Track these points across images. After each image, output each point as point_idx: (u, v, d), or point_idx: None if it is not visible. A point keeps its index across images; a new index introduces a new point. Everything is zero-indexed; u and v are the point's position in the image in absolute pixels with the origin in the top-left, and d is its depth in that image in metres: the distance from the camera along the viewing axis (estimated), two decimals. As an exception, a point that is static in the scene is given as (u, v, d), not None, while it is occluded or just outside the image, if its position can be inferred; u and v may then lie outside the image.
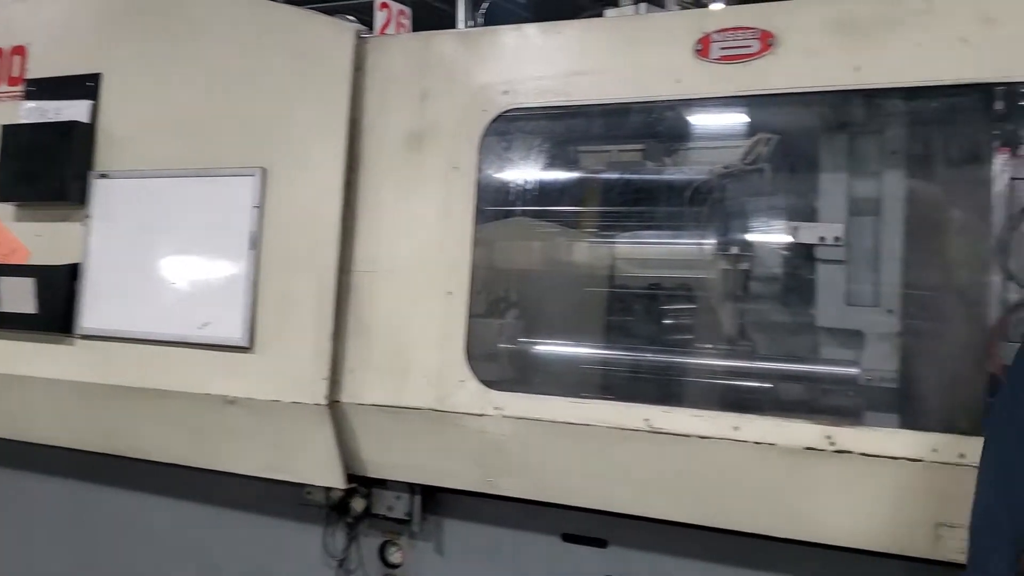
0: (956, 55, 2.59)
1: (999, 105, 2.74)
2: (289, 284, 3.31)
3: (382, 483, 3.39)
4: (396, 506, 3.36)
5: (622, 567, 3.15)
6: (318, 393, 3.23)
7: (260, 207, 3.37)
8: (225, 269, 3.42)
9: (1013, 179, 2.73)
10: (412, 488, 3.35)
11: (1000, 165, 2.77)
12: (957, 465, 2.53)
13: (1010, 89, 2.69)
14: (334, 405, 3.25)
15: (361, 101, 3.33)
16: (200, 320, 3.45)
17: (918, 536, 2.60)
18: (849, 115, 3.00)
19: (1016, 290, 2.73)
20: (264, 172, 3.39)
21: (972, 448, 2.51)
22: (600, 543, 3.17)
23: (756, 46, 2.83)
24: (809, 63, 2.77)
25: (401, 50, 3.38)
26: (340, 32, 3.38)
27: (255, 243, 3.37)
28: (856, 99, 2.94)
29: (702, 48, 2.90)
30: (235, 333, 3.36)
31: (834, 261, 3.01)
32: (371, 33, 3.51)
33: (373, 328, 3.23)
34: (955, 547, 2.55)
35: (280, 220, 3.36)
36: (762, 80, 2.83)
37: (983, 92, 2.72)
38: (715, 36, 2.89)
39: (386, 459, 3.30)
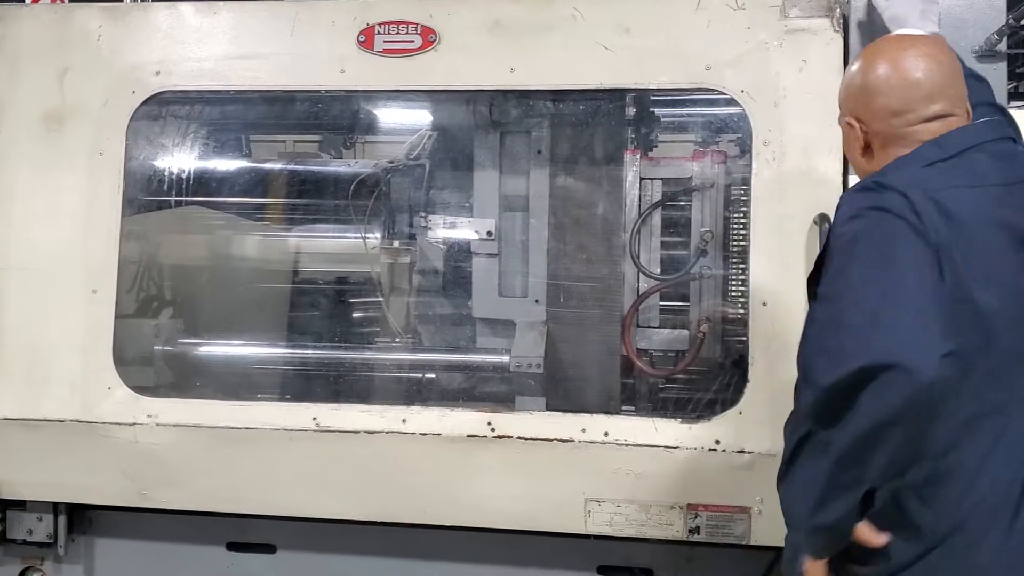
0: (597, 61, 2.77)
1: (631, 110, 2.98)
2: (-103, 283, 2.91)
3: (20, 504, 3.10)
4: (37, 529, 3.10)
5: (292, 571, 3.07)
6: (-65, 408, 2.90)
7: None
8: None
9: (643, 179, 2.98)
10: (56, 508, 3.09)
11: (632, 165, 3.00)
12: (603, 443, 2.71)
13: (641, 95, 2.93)
14: (-44, 421, 2.93)
15: (-14, 76, 3.01)
16: None
17: (571, 513, 2.76)
18: (503, 114, 3.13)
19: (645, 280, 2.98)
20: None
21: (615, 426, 2.73)
22: (269, 549, 3.08)
23: (418, 41, 2.86)
24: (468, 62, 2.84)
25: (36, 21, 3.07)
26: (-42, -4, 3.00)
27: None
28: (509, 99, 3.08)
29: (366, 39, 2.89)
30: None
31: (488, 255, 3.14)
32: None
33: (3, 332, 2.96)
34: (602, 520, 2.75)
35: None
36: (424, 76, 2.88)
37: (619, 97, 2.94)
38: (379, 28, 2.89)
39: (23, 477, 3.03)
